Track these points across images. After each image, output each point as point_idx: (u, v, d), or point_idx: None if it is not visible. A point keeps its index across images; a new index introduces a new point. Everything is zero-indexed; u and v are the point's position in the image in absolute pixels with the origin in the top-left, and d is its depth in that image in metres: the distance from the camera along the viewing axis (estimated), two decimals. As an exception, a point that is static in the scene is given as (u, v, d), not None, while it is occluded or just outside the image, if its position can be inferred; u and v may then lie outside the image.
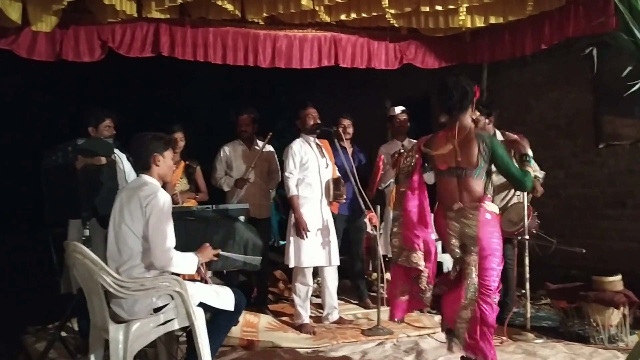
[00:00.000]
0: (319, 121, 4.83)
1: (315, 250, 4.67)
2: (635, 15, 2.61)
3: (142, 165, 3.18)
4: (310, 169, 4.74)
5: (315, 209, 4.72)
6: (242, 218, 4.29)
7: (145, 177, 3.14)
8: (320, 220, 4.71)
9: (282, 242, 8.01)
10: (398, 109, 5.40)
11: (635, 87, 2.75)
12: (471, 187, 3.21)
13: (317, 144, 4.86)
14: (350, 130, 5.41)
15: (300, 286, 4.71)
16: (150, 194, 3.01)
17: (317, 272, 4.90)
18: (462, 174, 3.21)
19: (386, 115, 5.96)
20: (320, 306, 5.04)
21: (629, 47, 2.68)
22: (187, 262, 3.10)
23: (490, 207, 3.23)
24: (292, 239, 4.68)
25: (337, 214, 5.08)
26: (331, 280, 4.81)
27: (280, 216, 8.43)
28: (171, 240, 3.02)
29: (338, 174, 4.91)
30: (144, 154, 3.14)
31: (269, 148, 5.34)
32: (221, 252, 3.39)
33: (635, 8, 2.61)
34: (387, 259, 5.69)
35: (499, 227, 3.28)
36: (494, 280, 3.17)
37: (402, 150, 5.13)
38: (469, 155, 3.18)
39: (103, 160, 3.69)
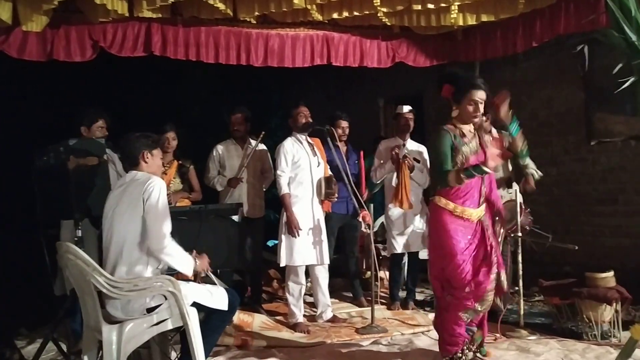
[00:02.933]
0: (310, 120, 4.84)
1: (307, 248, 4.67)
2: (626, 12, 2.63)
3: (130, 162, 3.19)
4: (302, 168, 4.75)
5: (306, 207, 4.73)
6: (235, 217, 4.29)
7: (134, 172, 3.16)
8: (312, 218, 4.72)
9: (275, 242, 8.01)
10: (405, 108, 5.40)
11: (626, 84, 2.77)
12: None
13: (309, 143, 4.87)
14: (347, 131, 5.43)
15: (293, 285, 4.71)
16: (147, 180, 3.05)
17: (307, 271, 4.91)
18: None
19: (377, 111, 5.97)
20: (313, 305, 5.05)
21: (620, 45, 2.70)
22: (182, 257, 3.10)
23: (435, 199, 3.41)
24: (283, 237, 4.69)
25: (331, 212, 5.10)
26: (322, 278, 4.82)
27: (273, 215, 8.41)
28: (167, 225, 3.03)
29: (330, 173, 4.91)
30: (133, 151, 3.17)
31: (262, 147, 5.34)
32: (208, 273, 3.38)
33: (625, 5, 2.63)
34: (380, 257, 5.74)
35: (439, 218, 3.37)
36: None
37: (404, 149, 5.17)
38: None
39: (95, 160, 3.67)
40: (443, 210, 3.34)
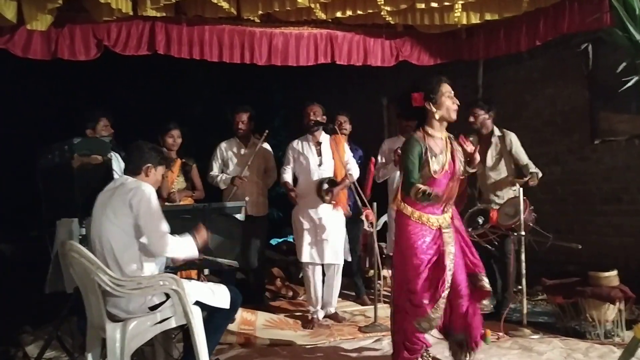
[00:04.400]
0: (317, 118, 4.83)
1: (307, 247, 4.79)
2: (630, 11, 2.63)
3: (132, 169, 3.18)
4: (304, 167, 4.83)
5: (306, 206, 4.79)
6: (239, 216, 4.30)
7: (126, 177, 3.16)
8: (311, 218, 4.78)
9: (278, 240, 8.03)
10: None
11: (631, 83, 2.76)
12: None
13: (317, 142, 4.86)
14: (347, 126, 5.44)
15: (305, 281, 4.86)
16: (133, 187, 3.04)
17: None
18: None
19: (381, 110, 5.96)
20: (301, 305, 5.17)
21: (624, 43, 2.70)
22: (184, 244, 3.13)
23: (400, 206, 3.36)
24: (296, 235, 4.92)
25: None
26: (329, 277, 4.86)
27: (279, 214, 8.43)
28: (165, 225, 3.04)
29: (349, 173, 4.83)
30: (138, 160, 3.17)
31: (265, 146, 5.35)
32: (205, 257, 3.40)
33: (629, 4, 2.63)
34: (383, 256, 5.75)
35: (403, 222, 3.33)
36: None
37: None
38: None
39: (100, 159, 3.68)
40: (404, 215, 3.33)
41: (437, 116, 3.32)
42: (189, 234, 3.18)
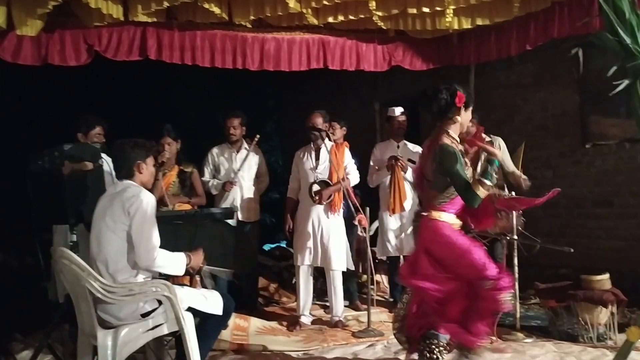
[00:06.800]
0: (317, 126, 4.85)
1: (303, 250, 4.82)
2: (620, 15, 2.63)
3: (125, 174, 3.16)
4: (303, 171, 4.94)
5: (304, 211, 4.87)
6: (231, 222, 4.29)
7: (127, 182, 3.13)
8: (308, 222, 4.81)
9: (271, 245, 8.01)
10: (397, 111, 5.41)
11: (621, 87, 2.77)
12: (427, 196, 3.33)
13: (317, 147, 4.91)
14: (337, 132, 5.42)
15: (298, 282, 4.90)
16: (134, 195, 3.01)
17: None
18: (427, 183, 3.30)
19: (373, 115, 5.97)
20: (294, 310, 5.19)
21: (614, 47, 2.70)
22: (174, 262, 3.08)
23: (435, 216, 3.23)
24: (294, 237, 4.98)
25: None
26: (328, 283, 4.89)
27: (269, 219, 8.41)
28: (156, 239, 3.00)
29: (347, 178, 4.90)
30: (127, 163, 3.14)
31: (257, 151, 5.34)
32: (206, 268, 3.38)
33: (619, 8, 2.63)
34: (376, 261, 5.74)
35: (443, 234, 3.22)
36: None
37: (398, 155, 5.17)
38: (427, 166, 3.28)
39: (90, 165, 3.66)
40: (446, 224, 3.22)
41: (454, 120, 3.26)
42: (183, 253, 3.14)
